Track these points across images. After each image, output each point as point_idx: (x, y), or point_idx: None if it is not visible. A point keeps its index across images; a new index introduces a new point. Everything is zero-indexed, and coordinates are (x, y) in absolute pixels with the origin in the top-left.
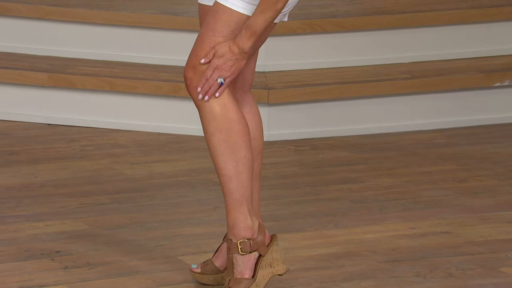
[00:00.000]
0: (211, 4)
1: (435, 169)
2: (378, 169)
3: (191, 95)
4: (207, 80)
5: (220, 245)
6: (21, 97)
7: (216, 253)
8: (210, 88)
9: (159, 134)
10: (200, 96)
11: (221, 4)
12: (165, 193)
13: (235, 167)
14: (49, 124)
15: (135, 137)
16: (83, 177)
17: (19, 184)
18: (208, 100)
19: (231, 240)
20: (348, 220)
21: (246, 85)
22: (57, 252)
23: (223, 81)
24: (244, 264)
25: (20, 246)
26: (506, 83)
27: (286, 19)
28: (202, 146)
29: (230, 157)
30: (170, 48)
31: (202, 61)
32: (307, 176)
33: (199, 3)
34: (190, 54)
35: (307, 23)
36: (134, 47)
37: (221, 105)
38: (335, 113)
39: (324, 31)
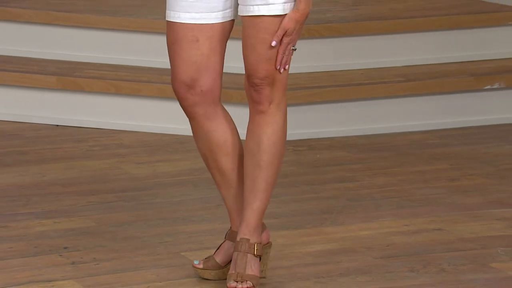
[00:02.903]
0: (197, 22)
1: (428, 168)
2: (374, 168)
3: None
4: (284, 55)
5: (223, 242)
6: (30, 99)
7: (218, 249)
8: (288, 59)
9: (162, 135)
10: (282, 69)
11: (275, 16)
12: (169, 191)
13: (277, 177)
14: (57, 125)
15: (139, 137)
16: (89, 176)
17: (28, 183)
18: (276, 108)
19: (248, 239)
20: (345, 217)
21: (217, 97)
22: (65, 248)
23: (295, 47)
24: (256, 264)
25: (29, 243)
26: (495, 86)
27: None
28: None
29: (279, 168)
30: None
31: (273, 43)
32: (305, 175)
33: (174, 22)
34: (260, 76)
35: (304, 28)
36: (138, 51)
37: (285, 115)
38: (331, 115)
39: (321, 36)
